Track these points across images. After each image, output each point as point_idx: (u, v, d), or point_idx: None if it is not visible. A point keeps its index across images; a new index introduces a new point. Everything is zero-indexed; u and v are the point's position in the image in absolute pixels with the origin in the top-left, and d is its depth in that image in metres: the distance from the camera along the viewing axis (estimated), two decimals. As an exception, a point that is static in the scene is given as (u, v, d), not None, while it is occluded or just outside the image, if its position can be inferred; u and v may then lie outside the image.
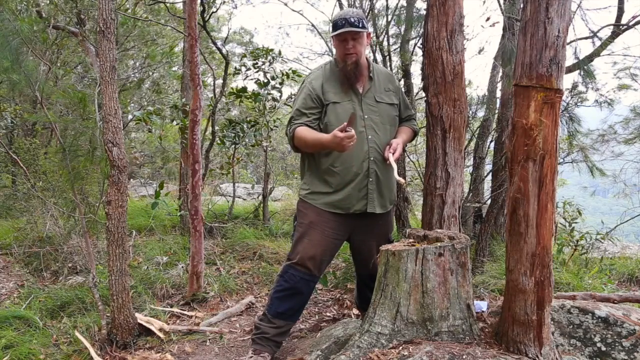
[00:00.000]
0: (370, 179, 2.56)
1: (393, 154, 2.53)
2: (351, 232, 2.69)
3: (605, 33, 4.22)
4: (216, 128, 5.85)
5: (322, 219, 2.59)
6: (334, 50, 2.68)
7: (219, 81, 6.48)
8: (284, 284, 2.60)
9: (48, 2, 6.51)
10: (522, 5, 2.34)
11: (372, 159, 2.55)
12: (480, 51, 5.15)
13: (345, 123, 2.31)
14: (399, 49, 4.51)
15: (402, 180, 2.43)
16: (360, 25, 2.48)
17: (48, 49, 6.27)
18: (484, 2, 5.16)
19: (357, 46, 2.53)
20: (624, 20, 4.22)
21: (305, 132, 2.52)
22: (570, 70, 4.17)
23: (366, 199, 2.57)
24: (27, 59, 3.38)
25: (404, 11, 4.33)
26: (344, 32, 2.48)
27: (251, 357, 2.62)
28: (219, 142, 5.69)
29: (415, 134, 2.80)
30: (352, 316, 3.44)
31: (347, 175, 2.55)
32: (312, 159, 2.65)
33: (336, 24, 2.51)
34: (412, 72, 4.40)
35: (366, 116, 2.57)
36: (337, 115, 2.54)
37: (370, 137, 2.55)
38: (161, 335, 3.09)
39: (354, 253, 2.86)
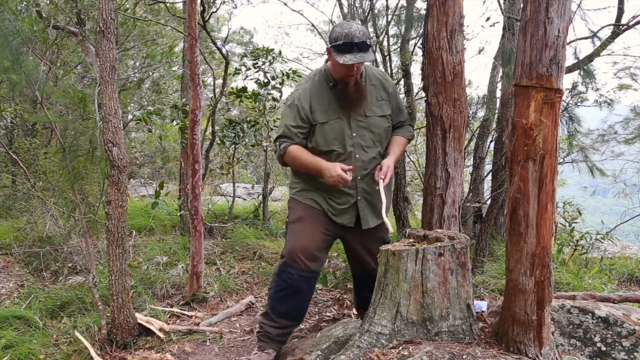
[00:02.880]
0: (359, 197, 2.55)
1: (383, 178, 2.45)
2: (343, 234, 2.67)
3: (605, 33, 4.22)
4: (216, 128, 5.85)
5: (313, 213, 2.58)
6: (331, 65, 2.50)
7: (219, 81, 6.48)
8: (282, 284, 2.57)
9: (48, 2, 6.51)
10: (522, 5, 2.34)
11: (359, 178, 2.52)
12: (480, 51, 5.15)
13: (352, 167, 2.41)
14: (399, 49, 4.51)
15: (389, 223, 2.36)
16: (368, 49, 2.34)
17: (48, 49, 6.26)
18: (484, 2, 5.16)
19: (360, 67, 2.44)
20: (624, 20, 4.22)
21: (299, 153, 2.50)
22: (570, 70, 4.17)
23: (355, 217, 2.57)
24: (27, 59, 3.38)
25: (404, 11, 4.33)
26: (352, 63, 2.32)
27: (256, 353, 2.62)
28: (219, 142, 5.69)
29: (409, 141, 2.72)
30: (352, 316, 3.44)
31: (335, 192, 2.54)
32: None
33: (341, 47, 2.32)
34: (412, 72, 4.40)
35: (354, 134, 2.50)
36: (325, 136, 2.50)
37: (357, 156, 2.51)
38: (161, 335, 3.09)
39: (348, 254, 2.82)
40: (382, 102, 2.59)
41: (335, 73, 2.48)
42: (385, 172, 2.46)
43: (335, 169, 2.37)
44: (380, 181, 2.45)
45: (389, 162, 2.51)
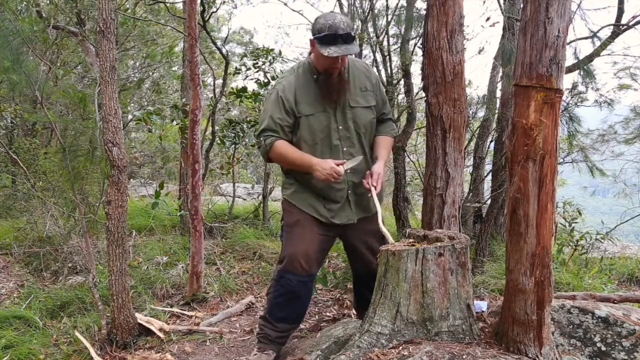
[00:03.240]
0: (350, 191, 2.52)
1: (375, 186, 2.41)
2: (341, 233, 2.64)
3: (605, 33, 4.22)
4: (216, 128, 5.85)
5: (309, 217, 2.53)
6: (314, 56, 2.45)
7: (219, 81, 6.48)
8: (281, 289, 2.54)
9: (48, 2, 6.51)
10: (522, 5, 2.34)
11: (349, 171, 2.48)
12: (480, 51, 5.15)
13: (344, 161, 2.37)
14: (399, 49, 4.51)
15: (388, 234, 2.31)
16: (352, 41, 2.31)
17: (48, 49, 6.26)
18: (484, 2, 5.16)
19: (344, 59, 2.39)
20: (624, 20, 4.22)
21: (287, 148, 2.44)
22: (570, 70, 4.17)
23: (347, 212, 2.54)
24: (27, 59, 3.38)
25: (404, 11, 4.33)
26: (337, 55, 2.28)
27: (255, 354, 2.62)
28: (219, 142, 5.69)
29: (394, 139, 2.69)
30: (352, 316, 3.44)
31: (325, 189, 2.50)
32: None
33: (325, 39, 2.28)
34: (412, 72, 4.40)
35: (340, 127, 2.47)
36: (310, 128, 2.45)
37: (345, 149, 2.48)
38: (161, 335, 3.09)
39: (348, 251, 2.79)
40: (367, 92, 2.54)
41: (319, 65, 2.42)
42: (376, 179, 2.43)
43: (328, 163, 2.33)
44: (373, 189, 2.41)
45: (379, 169, 2.47)
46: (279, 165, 2.74)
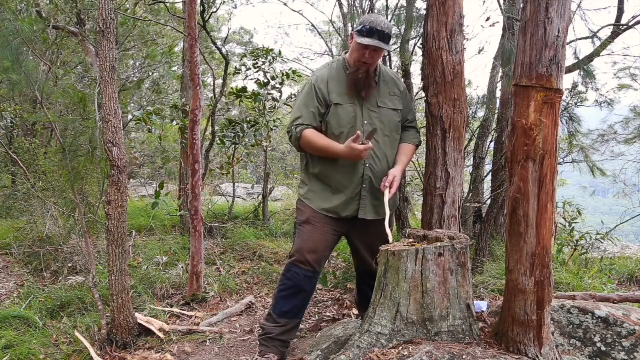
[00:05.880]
0: (364, 186, 2.55)
1: (389, 187, 2.46)
2: (348, 231, 2.69)
3: (605, 33, 4.23)
4: (216, 128, 5.85)
5: (320, 216, 2.61)
6: (350, 50, 2.60)
7: (219, 81, 6.48)
8: (288, 283, 2.60)
9: (48, 2, 6.51)
10: (522, 5, 2.34)
11: (367, 165, 2.53)
12: (480, 51, 5.15)
13: (360, 134, 2.36)
14: (399, 49, 4.51)
15: (390, 234, 2.36)
16: (388, 42, 2.47)
17: (48, 49, 6.27)
18: (484, 2, 5.17)
19: (375, 57, 2.51)
20: (624, 20, 4.23)
21: (315, 137, 2.52)
22: (570, 70, 4.17)
23: (358, 205, 2.57)
24: (27, 59, 3.38)
25: (404, 11, 4.33)
26: (370, 45, 2.43)
27: (256, 359, 2.63)
28: (219, 142, 5.69)
29: (417, 147, 2.74)
30: (352, 316, 3.44)
31: (343, 180, 2.55)
32: (312, 159, 2.65)
33: (364, 30, 2.43)
34: (412, 72, 4.40)
35: (366, 122, 2.55)
36: (338, 118, 2.54)
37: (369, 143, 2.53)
38: (161, 335, 3.09)
39: (353, 251, 2.85)
40: (395, 97, 2.65)
41: (351, 59, 2.55)
42: (391, 181, 2.48)
43: (351, 148, 2.36)
44: (386, 191, 2.45)
45: (396, 172, 2.52)
46: (300, 163, 2.82)
